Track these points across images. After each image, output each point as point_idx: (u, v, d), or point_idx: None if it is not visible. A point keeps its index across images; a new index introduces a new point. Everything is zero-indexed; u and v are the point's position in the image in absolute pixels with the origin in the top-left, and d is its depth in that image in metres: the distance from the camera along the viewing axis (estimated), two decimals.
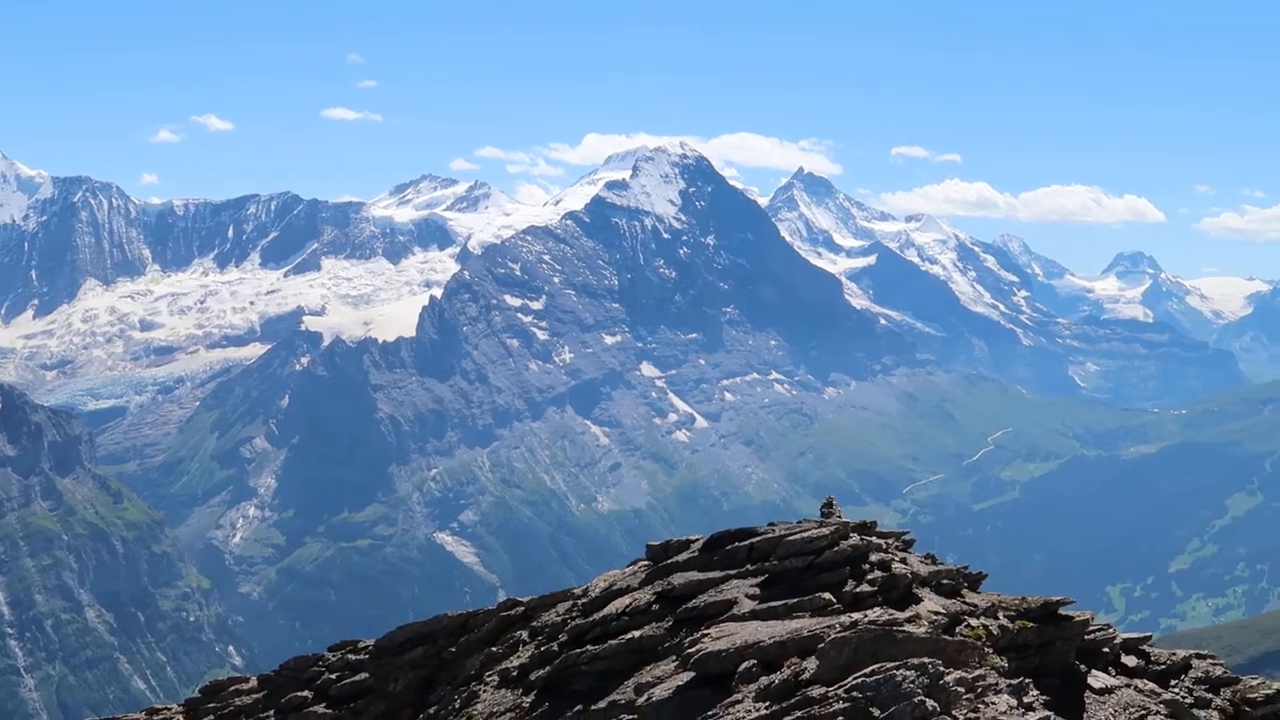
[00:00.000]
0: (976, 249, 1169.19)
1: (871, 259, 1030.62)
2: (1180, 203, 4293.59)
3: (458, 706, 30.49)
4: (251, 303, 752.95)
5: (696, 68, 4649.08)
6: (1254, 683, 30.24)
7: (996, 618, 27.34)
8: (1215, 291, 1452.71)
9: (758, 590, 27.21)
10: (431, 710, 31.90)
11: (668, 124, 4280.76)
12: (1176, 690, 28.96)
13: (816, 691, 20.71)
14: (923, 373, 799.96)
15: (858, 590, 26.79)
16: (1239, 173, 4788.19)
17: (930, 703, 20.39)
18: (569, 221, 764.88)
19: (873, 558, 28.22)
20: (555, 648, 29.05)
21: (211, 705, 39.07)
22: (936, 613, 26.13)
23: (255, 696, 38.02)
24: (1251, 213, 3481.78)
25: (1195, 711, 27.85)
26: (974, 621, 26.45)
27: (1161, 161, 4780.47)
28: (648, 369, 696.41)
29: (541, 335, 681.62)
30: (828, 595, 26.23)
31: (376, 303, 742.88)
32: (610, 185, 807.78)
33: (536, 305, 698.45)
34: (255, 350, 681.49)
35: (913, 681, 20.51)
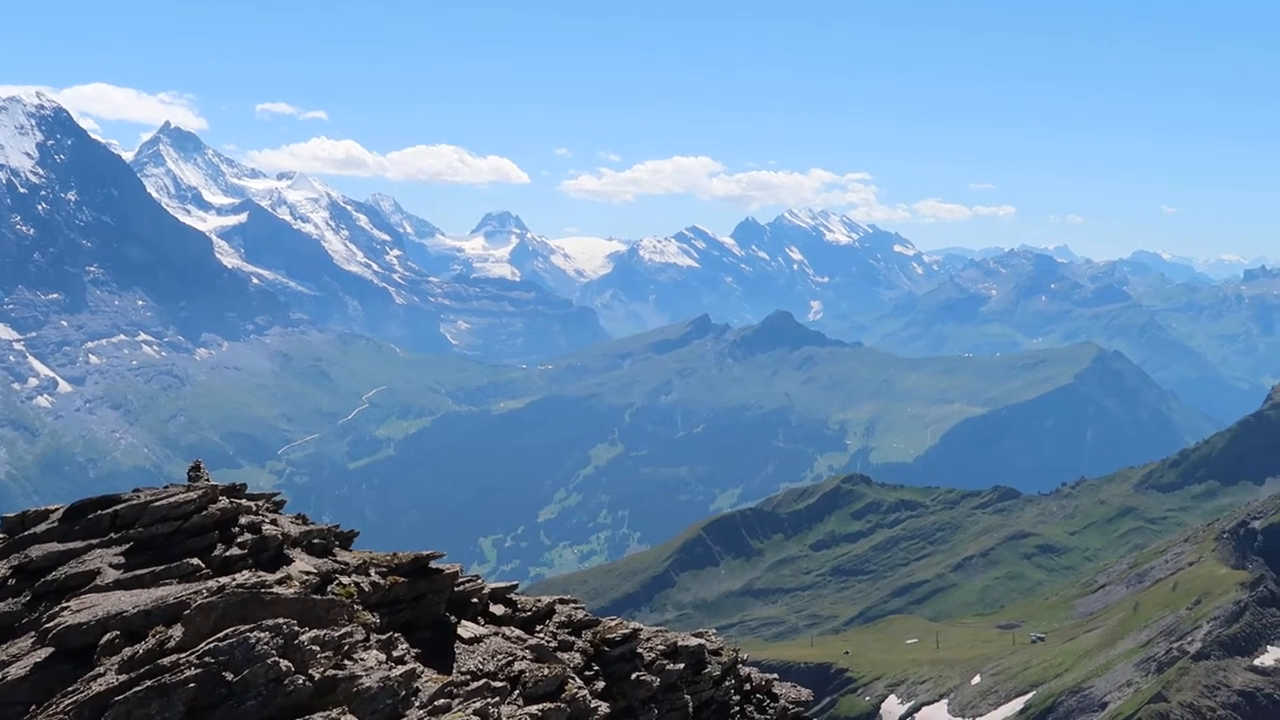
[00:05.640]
0: (349, 208, 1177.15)
1: (243, 217, 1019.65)
2: (542, 165, 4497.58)
3: None
4: None
5: (34, 11, 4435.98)
6: (612, 623, 32.08)
7: (368, 574, 27.64)
8: (577, 251, 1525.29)
9: (122, 559, 26.35)
10: None
11: (10, 72, 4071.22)
12: (542, 635, 30.35)
13: (169, 659, 20.33)
14: (296, 332, 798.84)
15: (227, 554, 26.40)
16: (595, 136, 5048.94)
17: (285, 663, 20.43)
18: None
19: (243, 520, 27.87)
20: None
21: None
22: (308, 573, 26.16)
23: None
24: (608, 175, 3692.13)
25: (559, 654, 29.15)
26: (345, 580, 26.64)
27: (522, 123, 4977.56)
28: (5, 331, 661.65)
29: None
30: (196, 561, 25.71)
31: None
32: None
33: None
34: None
35: (267, 643, 20.47)
